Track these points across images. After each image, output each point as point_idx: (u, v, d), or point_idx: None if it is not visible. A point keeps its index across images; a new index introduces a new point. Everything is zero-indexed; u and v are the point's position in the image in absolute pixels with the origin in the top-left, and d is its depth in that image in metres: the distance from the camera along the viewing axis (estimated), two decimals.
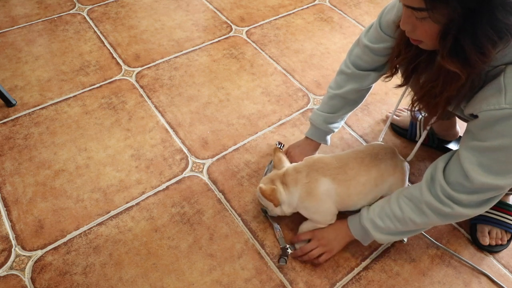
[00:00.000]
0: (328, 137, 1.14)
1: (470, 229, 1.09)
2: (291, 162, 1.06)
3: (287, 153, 1.17)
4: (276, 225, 1.07)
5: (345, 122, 1.35)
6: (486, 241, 1.05)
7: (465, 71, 0.66)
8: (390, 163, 0.96)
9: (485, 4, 0.58)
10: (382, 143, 1.02)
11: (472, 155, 0.73)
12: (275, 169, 1.03)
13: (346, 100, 1.06)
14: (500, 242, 1.05)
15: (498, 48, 0.63)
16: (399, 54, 0.84)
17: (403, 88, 0.98)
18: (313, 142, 1.14)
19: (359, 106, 1.11)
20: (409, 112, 0.90)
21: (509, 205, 1.07)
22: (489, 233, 1.06)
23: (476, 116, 0.71)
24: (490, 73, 0.69)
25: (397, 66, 0.90)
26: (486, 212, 1.07)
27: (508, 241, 1.06)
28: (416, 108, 0.85)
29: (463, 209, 0.78)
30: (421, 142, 0.98)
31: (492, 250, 1.05)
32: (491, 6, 0.58)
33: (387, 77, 0.94)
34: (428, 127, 0.94)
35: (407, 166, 1.01)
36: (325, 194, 0.94)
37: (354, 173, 0.94)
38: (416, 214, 0.84)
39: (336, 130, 1.13)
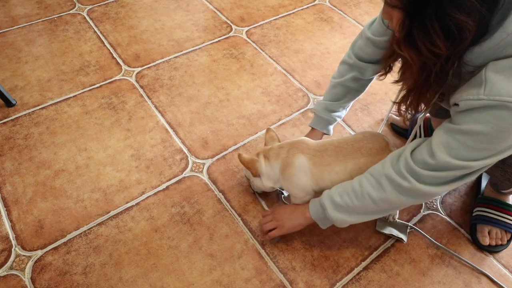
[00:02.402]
0: (331, 127, 1.15)
1: (470, 229, 1.09)
2: None
3: None
4: (262, 202, 1.11)
5: (345, 122, 1.35)
6: (486, 241, 1.05)
7: (416, 58, 0.69)
8: (371, 159, 0.95)
9: None
10: (377, 135, 0.99)
11: (444, 133, 0.75)
12: (265, 146, 1.06)
13: (348, 88, 1.08)
14: (500, 242, 1.05)
15: (450, 42, 0.63)
16: (392, 54, 0.85)
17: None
18: (315, 131, 1.15)
19: (361, 95, 1.12)
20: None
21: (509, 205, 1.07)
22: (489, 233, 1.06)
23: (458, 105, 0.73)
24: (475, 72, 0.70)
25: (391, 64, 0.90)
26: (486, 212, 1.07)
27: (508, 241, 1.06)
28: (405, 106, 0.85)
29: (422, 186, 0.78)
30: (411, 139, 0.98)
31: (492, 250, 1.05)
32: None
33: (381, 75, 0.95)
34: (419, 124, 0.95)
35: None
36: (300, 169, 0.96)
37: (330, 160, 0.95)
38: (374, 188, 0.84)
39: (338, 119, 1.13)
